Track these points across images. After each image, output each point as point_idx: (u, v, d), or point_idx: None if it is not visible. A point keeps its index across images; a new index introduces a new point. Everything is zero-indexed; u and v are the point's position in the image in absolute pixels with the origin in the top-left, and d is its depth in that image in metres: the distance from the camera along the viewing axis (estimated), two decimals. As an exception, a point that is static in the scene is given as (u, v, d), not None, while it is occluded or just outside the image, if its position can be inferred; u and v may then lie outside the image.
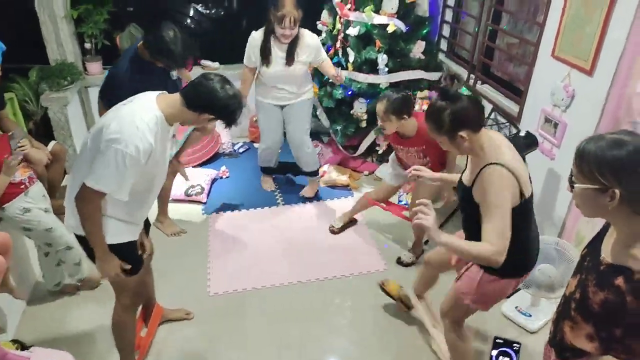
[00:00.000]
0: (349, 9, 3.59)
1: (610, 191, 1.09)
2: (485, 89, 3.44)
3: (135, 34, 3.78)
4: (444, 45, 4.10)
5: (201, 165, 4.02)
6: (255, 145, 4.25)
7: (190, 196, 3.58)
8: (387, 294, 2.65)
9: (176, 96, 1.76)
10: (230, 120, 1.79)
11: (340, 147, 3.94)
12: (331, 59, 3.59)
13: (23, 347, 2.26)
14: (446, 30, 4.06)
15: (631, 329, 1.11)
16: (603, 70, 2.29)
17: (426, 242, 3.10)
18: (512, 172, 1.64)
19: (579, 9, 2.40)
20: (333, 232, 3.31)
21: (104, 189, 1.68)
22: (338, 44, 3.76)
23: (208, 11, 4.34)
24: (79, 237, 1.89)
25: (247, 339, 2.51)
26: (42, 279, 2.70)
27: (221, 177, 3.92)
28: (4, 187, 2.26)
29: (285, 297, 2.78)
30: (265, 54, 3.12)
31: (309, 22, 3.57)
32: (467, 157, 1.85)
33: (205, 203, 3.60)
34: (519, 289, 2.50)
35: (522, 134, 2.67)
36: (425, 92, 3.74)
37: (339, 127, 3.86)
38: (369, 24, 3.55)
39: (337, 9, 3.71)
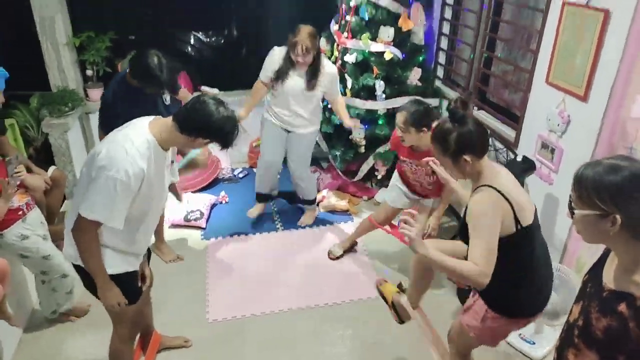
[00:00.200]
0: (346, 37, 3.67)
1: (611, 217, 1.09)
2: (482, 114, 3.48)
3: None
4: (440, 72, 4.17)
5: (201, 190, 4.02)
6: (255, 170, 4.26)
7: (189, 221, 3.58)
8: (382, 297, 2.51)
9: (169, 120, 1.72)
10: (225, 142, 1.74)
11: (340, 173, 3.96)
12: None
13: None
14: (442, 58, 4.13)
15: (634, 355, 1.10)
16: (597, 96, 2.33)
17: None
18: (506, 197, 1.64)
19: (570, 37, 2.46)
20: (332, 259, 3.30)
21: (97, 218, 1.65)
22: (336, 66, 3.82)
23: (208, 39, 4.43)
24: (77, 267, 1.86)
25: (246, 367, 2.48)
26: (39, 306, 2.67)
27: (221, 203, 3.92)
28: (3, 212, 2.26)
29: (284, 324, 2.75)
30: (280, 73, 3.14)
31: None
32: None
33: (204, 228, 3.59)
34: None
35: (519, 159, 2.69)
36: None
37: (337, 153, 3.89)
38: (366, 51, 3.62)
39: (335, 37, 3.79)
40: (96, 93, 3.99)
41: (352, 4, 3.61)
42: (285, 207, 3.87)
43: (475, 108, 3.56)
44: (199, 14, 4.30)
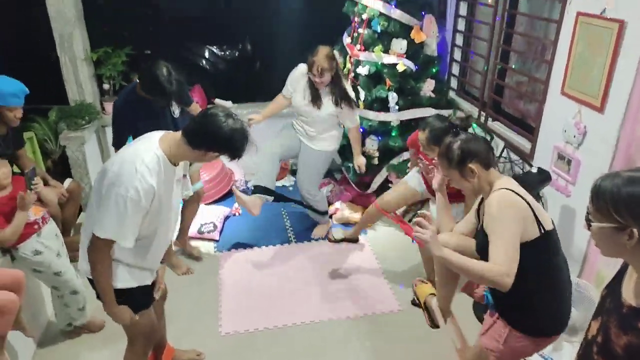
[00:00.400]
0: (359, 50, 3.68)
1: (629, 230, 1.07)
2: (497, 126, 3.46)
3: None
4: (454, 83, 4.16)
5: (214, 202, 4.04)
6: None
7: (202, 234, 3.59)
8: (417, 298, 2.40)
9: (178, 135, 1.71)
10: (235, 154, 1.72)
11: (353, 184, 3.95)
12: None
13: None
14: (456, 69, 4.12)
15: (657, 373, 1.07)
16: (614, 107, 2.30)
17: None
18: (524, 198, 1.62)
19: (585, 48, 2.44)
20: (330, 241, 3.28)
21: (110, 236, 1.66)
22: (349, 82, 3.83)
23: (222, 53, 4.48)
24: (92, 281, 1.86)
25: (259, 381, 2.46)
26: (55, 318, 2.69)
27: (234, 215, 3.93)
28: (23, 223, 2.29)
29: (297, 338, 2.73)
30: (299, 87, 3.22)
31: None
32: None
33: (217, 240, 3.60)
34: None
35: (534, 170, 2.66)
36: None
37: (350, 165, 3.88)
38: (379, 63, 3.62)
39: (348, 50, 3.80)
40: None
41: (364, 16, 3.63)
42: (299, 220, 3.86)
43: (490, 119, 3.54)
44: (213, 29, 4.37)
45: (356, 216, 3.78)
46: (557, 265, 1.72)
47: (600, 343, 1.18)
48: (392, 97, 3.61)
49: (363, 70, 3.67)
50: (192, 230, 3.56)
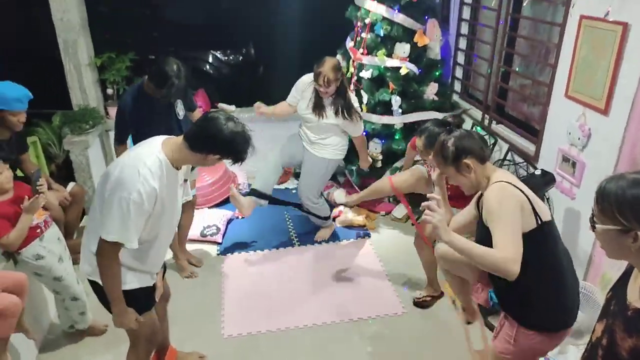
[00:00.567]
0: (362, 53, 3.69)
1: (633, 233, 1.06)
2: (500, 128, 3.45)
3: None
4: (457, 86, 4.16)
5: (217, 205, 4.04)
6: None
7: (205, 236, 3.59)
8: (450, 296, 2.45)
9: (179, 139, 1.73)
10: (236, 157, 1.72)
11: (356, 187, 3.94)
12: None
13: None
14: (459, 72, 4.12)
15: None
16: (618, 109, 2.29)
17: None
18: (520, 189, 1.63)
19: (589, 51, 2.43)
20: (331, 202, 3.39)
21: (116, 239, 1.65)
22: (352, 87, 3.84)
23: (226, 57, 4.50)
24: (92, 283, 1.87)
25: (262, 385, 2.45)
26: (58, 319, 2.69)
27: (237, 218, 3.93)
28: (27, 227, 2.29)
29: (300, 340, 2.71)
30: (305, 95, 3.23)
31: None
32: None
33: (220, 243, 3.60)
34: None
35: (538, 172, 2.65)
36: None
37: (354, 167, 3.88)
38: (382, 67, 3.63)
39: (351, 53, 3.81)
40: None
41: (367, 21, 3.64)
42: (302, 223, 3.86)
43: (494, 122, 3.54)
44: (217, 34, 4.39)
45: (360, 219, 3.78)
46: (556, 257, 1.72)
47: (605, 346, 1.17)
48: (395, 100, 3.61)
49: (366, 74, 3.67)
50: (195, 233, 3.57)
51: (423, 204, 1.63)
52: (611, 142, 2.33)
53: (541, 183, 2.61)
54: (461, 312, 2.40)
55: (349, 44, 3.88)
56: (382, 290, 3.12)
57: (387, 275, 3.25)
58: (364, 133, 3.58)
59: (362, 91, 3.74)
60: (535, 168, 2.90)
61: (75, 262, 2.76)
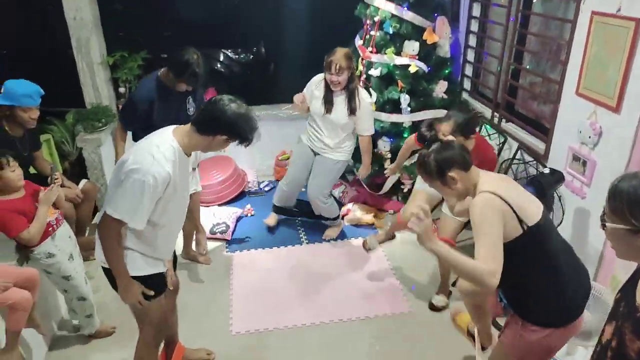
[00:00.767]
0: (371, 51, 3.68)
1: None
2: (510, 127, 3.42)
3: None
4: (467, 84, 4.12)
5: (227, 203, 4.07)
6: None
7: (215, 234, 3.62)
8: (459, 329, 2.51)
9: (188, 126, 1.81)
10: (243, 136, 1.78)
11: (365, 186, 3.94)
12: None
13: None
14: (469, 70, 4.09)
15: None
16: (630, 107, 2.26)
17: (453, 283, 3.01)
18: (502, 198, 1.64)
19: (601, 47, 2.40)
20: (366, 249, 3.41)
21: (121, 217, 1.71)
22: (361, 85, 3.83)
23: (237, 56, 4.52)
24: (105, 271, 1.91)
25: (269, 382, 2.46)
26: (68, 314, 2.72)
27: (246, 215, 3.96)
28: (46, 218, 2.32)
29: (308, 338, 2.72)
30: (317, 93, 3.25)
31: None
32: None
33: (229, 241, 3.62)
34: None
35: (546, 171, 2.63)
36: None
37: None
38: (391, 65, 3.61)
39: (359, 52, 3.80)
40: (128, 109, 4.13)
41: (376, 18, 3.63)
42: (310, 221, 3.87)
43: (504, 120, 3.51)
44: (228, 33, 4.41)
45: (368, 217, 3.77)
46: (549, 254, 1.71)
47: (614, 347, 1.16)
48: (404, 98, 3.60)
49: (375, 72, 3.66)
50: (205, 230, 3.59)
51: (411, 212, 1.66)
52: (623, 140, 2.30)
53: (551, 181, 2.60)
54: (477, 338, 2.43)
55: (358, 42, 3.87)
56: (389, 288, 3.12)
57: (395, 274, 3.25)
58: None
59: (370, 89, 3.73)
60: (545, 167, 2.87)
61: (87, 259, 2.80)
